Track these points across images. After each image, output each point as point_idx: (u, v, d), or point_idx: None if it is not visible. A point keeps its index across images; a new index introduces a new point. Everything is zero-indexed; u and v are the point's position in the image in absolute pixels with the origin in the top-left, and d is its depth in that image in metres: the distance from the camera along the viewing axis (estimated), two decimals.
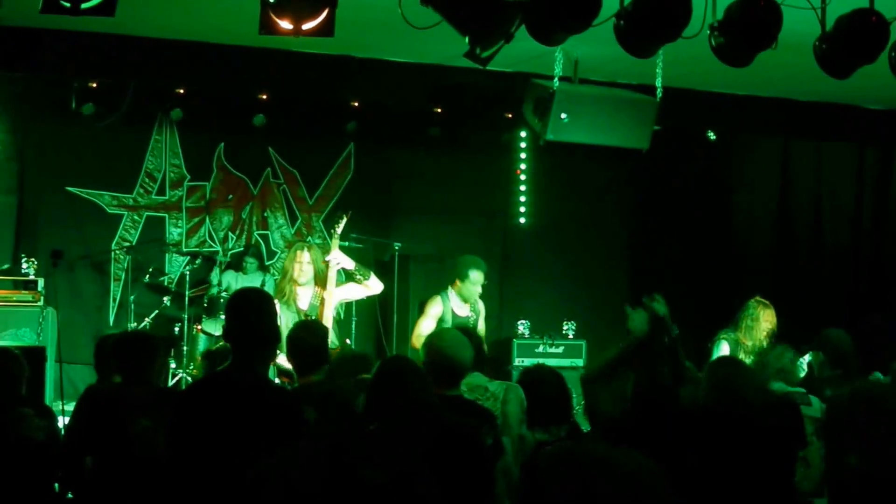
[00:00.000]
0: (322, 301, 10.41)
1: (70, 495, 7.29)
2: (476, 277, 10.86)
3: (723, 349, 10.19)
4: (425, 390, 5.53)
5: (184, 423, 5.55)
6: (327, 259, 10.43)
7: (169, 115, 13.35)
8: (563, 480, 3.90)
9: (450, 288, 10.98)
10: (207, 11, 10.16)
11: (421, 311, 11.39)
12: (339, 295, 10.61)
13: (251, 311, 5.68)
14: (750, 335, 10.35)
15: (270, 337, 5.70)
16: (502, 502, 6.20)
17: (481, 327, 11.11)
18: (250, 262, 13.22)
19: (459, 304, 10.92)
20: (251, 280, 12.73)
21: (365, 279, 10.57)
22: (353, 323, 12.83)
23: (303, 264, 10.31)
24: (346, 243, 13.25)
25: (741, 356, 10.11)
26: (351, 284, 10.79)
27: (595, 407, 6.40)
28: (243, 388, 5.49)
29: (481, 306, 11.20)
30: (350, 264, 10.58)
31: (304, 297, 10.35)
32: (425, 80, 11.86)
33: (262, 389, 5.59)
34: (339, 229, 10.80)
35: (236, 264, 13.38)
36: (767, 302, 10.62)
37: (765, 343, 10.32)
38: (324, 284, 10.41)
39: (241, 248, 13.90)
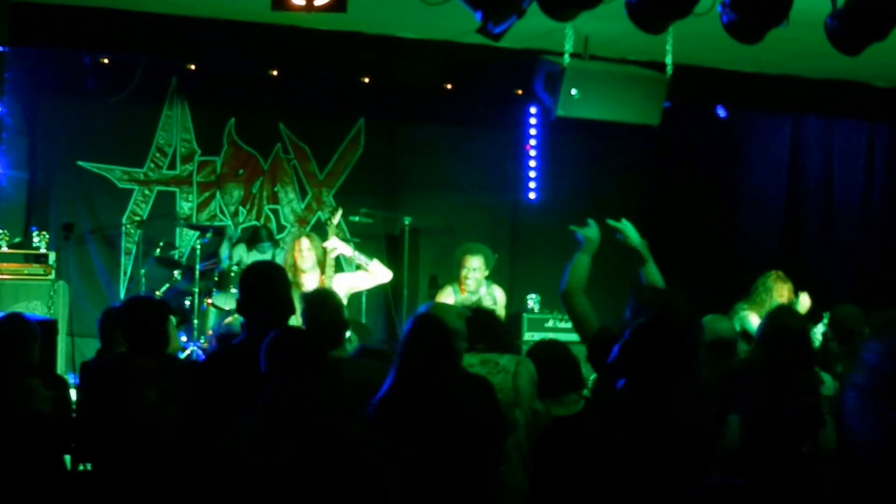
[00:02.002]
0: (322, 286, 10.45)
1: (82, 468, 7.33)
2: (468, 263, 10.81)
3: (751, 321, 10.24)
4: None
5: (199, 396, 5.55)
6: (325, 245, 10.47)
7: (180, 91, 13.40)
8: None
9: (458, 279, 10.99)
10: None
11: (431, 285, 11.40)
12: (346, 282, 10.62)
13: (265, 284, 5.69)
14: (762, 308, 10.45)
15: (285, 308, 5.70)
16: (517, 474, 6.25)
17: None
18: (265, 243, 13.27)
19: (463, 293, 10.90)
20: (262, 256, 12.78)
21: (366, 265, 10.57)
22: (364, 296, 12.87)
23: (303, 251, 10.34)
24: (357, 218, 13.30)
25: None
26: (359, 273, 10.81)
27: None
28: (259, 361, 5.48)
29: (498, 293, 11.16)
30: (348, 251, 10.61)
31: (309, 283, 10.38)
32: (436, 56, 11.88)
33: None
34: (335, 220, 10.85)
35: (248, 239, 13.42)
36: (786, 277, 10.76)
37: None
38: (324, 270, 10.45)
39: (252, 223, 13.97)
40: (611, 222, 7.21)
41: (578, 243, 7.10)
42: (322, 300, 7.12)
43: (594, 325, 6.69)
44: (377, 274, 10.59)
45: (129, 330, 6.83)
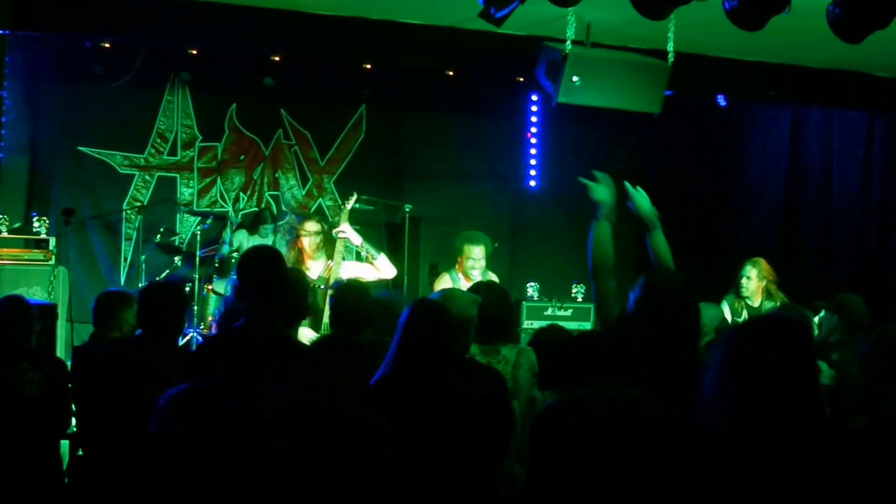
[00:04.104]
0: (329, 272, 10.43)
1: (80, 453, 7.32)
2: (470, 252, 10.78)
3: (724, 310, 10.47)
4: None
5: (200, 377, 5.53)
6: (336, 231, 10.46)
7: (181, 76, 13.41)
8: (567, 431, 3.93)
9: (456, 266, 10.96)
10: None
11: (431, 273, 11.36)
12: (351, 271, 10.61)
13: (263, 267, 5.67)
14: (742, 293, 11.10)
15: (285, 291, 5.68)
16: (512, 466, 6.23)
17: None
18: (266, 228, 13.27)
19: (465, 281, 10.87)
20: (261, 239, 12.80)
21: (373, 258, 10.57)
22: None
23: (311, 234, 10.32)
24: (358, 205, 13.29)
25: (743, 315, 10.46)
26: (364, 264, 10.80)
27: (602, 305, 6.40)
28: (260, 344, 5.47)
29: (494, 279, 11.13)
30: (357, 240, 10.59)
31: (315, 269, 10.37)
32: (438, 42, 11.86)
33: (279, 345, 5.58)
34: (349, 206, 10.84)
35: (248, 225, 13.42)
36: (757, 258, 11.05)
37: (762, 298, 10.79)
38: (331, 256, 10.45)
39: (253, 209, 13.98)
40: (627, 185, 6.83)
41: (593, 208, 6.64)
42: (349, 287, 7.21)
43: (614, 311, 6.33)
44: (382, 269, 10.59)
45: (144, 315, 6.82)
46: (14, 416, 6.58)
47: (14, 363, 6.68)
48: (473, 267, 10.71)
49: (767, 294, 11.13)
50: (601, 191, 6.68)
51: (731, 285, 11.34)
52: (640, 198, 6.76)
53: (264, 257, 5.93)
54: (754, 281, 11.09)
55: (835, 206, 14.74)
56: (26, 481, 6.66)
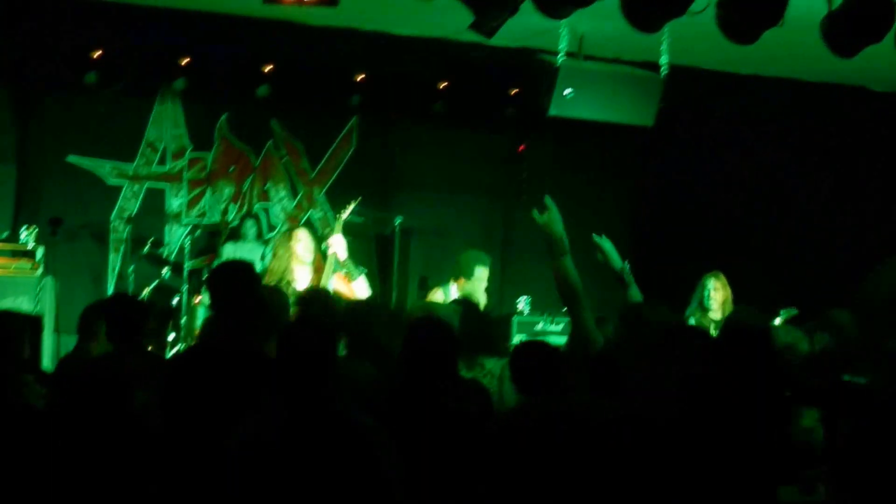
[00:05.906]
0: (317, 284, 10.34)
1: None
2: (481, 274, 10.69)
3: None
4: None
5: (173, 393, 5.49)
6: (328, 242, 10.37)
7: (171, 86, 13.33)
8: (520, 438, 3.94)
9: (452, 281, 10.84)
10: None
11: (421, 286, 11.28)
12: (337, 288, 10.54)
13: (235, 281, 5.62)
14: (710, 307, 10.81)
15: (258, 304, 5.63)
16: None
17: None
18: (249, 224, 13.20)
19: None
20: (250, 250, 12.73)
21: (352, 277, 10.46)
22: None
23: (303, 241, 10.22)
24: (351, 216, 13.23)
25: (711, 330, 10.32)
26: (342, 282, 10.68)
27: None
28: (232, 358, 5.44)
29: (482, 298, 11.03)
30: (343, 255, 10.50)
31: (302, 278, 10.28)
32: (430, 54, 11.82)
33: (252, 359, 5.51)
34: (346, 214, 10.75)
35: (236, 234, 13.36)
36: (716, 271, 10.88)
37: (724, 313, 10.63)
38: (318, 268, 10.36)
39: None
40: (595, 238, 7.02)
41: (550, 248, 6.81)
42: (314, 296, 7.13)
43: (598, 339, 6.53)
44: (358, 290, 10.48)
45: (111, 327, 6.75)
46: (23, 429, 6.52)
47: (19, 374, 6.64)
48: (485, 286, 10.57)
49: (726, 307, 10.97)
50: (558, 224, 6.72)
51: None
52: (609, 250, 6.98)
53: (233, 272, 5.87)
54: (721, 292, 10.93)
55: (831, 220, 14.68)
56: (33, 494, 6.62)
